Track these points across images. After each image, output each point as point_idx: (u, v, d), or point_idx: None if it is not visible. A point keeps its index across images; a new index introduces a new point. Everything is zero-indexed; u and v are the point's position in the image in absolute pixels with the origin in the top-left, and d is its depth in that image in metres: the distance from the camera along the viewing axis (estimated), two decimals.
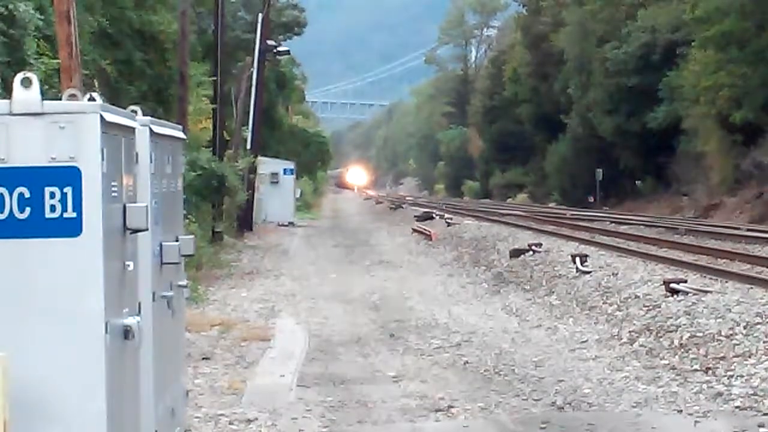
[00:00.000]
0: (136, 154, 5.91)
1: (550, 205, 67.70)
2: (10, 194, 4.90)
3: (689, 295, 15.14)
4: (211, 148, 30.89)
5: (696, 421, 9.53)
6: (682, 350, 12.56)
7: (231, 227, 34.66)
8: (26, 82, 4.95)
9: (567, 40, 68.81)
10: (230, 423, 9.76)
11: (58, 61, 14.49)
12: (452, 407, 10.39)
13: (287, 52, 48.26)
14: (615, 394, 10.78)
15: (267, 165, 47.46)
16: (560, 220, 40.47)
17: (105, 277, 4.96)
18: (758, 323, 12.69)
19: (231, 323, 16.06)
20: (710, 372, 11.43)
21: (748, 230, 31.35)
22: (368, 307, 18.68)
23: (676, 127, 54.27)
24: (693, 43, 48.93)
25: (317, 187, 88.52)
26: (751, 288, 16.14)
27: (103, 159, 4.96)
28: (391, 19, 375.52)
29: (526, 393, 10.98)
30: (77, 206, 4.90)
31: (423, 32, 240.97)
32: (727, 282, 17.30)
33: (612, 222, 40.14)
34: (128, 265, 5.51)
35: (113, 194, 5.20)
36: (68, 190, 4.89)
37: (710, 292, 15.42)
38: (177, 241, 6.91)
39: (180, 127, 7.90)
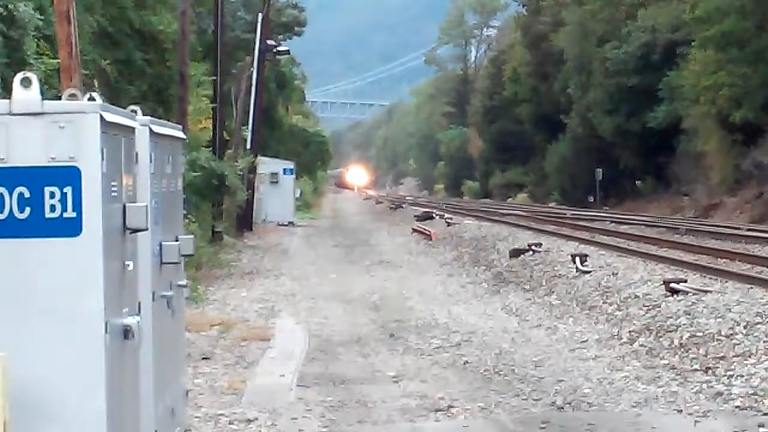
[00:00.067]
0: (136, 153, 5.91)
1: (550, 205, 67.70)
2: (10, 194, 4.90)
3: (689, 294, 15.14)
4: (211, 148, 30.89)
5: (696, 421, 9.53)
6: (682, 350, 12.56)
7: (231, 227, 34.67)
8: (26, 82, 4.95)
9: (567, 40, 68.81)
10: (230, 423, 9.76)
11: (58, 61, 14.49)
12: (452, 407, 10.39)
13: (287, 52, 48.25)
14: (615, 393, 10.78)
15: (267, 165, 47.46)
16: (560, 220, 40.47)
17: (105, 277, 4.96)
18: (758, 323, 12.69)
19: (231, 323, 16.06)
20: (710, 372, 11.43)
21: (749, 230, 31.35)
22: (368, 307, 18.68)
23: (676, 127, 54.27)
24: (693, 43, 48.94)
25: (317, 186, 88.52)
26: (751, 288, 16.14)
27: (103, 159, 4.96)
28: (391, 19, 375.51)
29: (526, 393, 10.98)
30: (77, 206, 4.90)
31: (423, 32, 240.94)
32: (727, 282, 17.30)
33: (612, 222, 40.14)
34: (128, 265, 5.51)
35: (113, 194, 5.20)
36: (68, 189, 4.89)
37: (710, 291, 15.42)
38: (177, 240, 6.91)
39: (180, 126, 7.90)
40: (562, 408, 10.29)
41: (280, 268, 26.39)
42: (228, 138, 37.83)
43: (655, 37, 57.53)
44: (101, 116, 4.97)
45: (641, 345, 13.37)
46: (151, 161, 6.36)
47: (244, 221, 37.70)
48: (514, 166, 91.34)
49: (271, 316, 17.43)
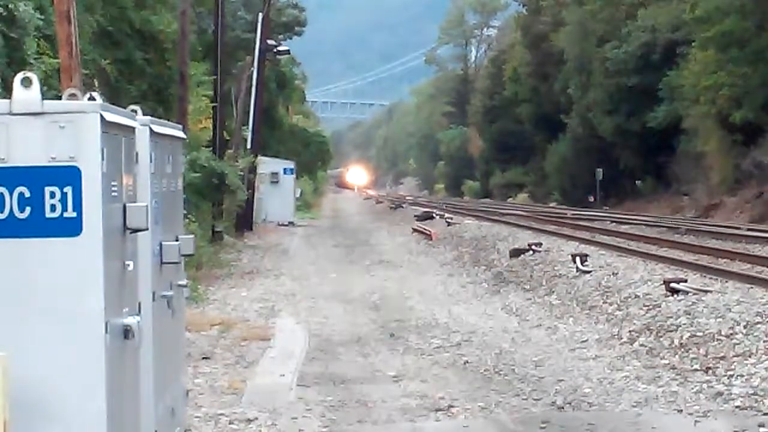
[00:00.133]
0: (136, 153, 5.91)
1: (551, 204, 67.71)
2: (10, 194, 4.90)
3: (689, 294, 15.14)
4: (211, 148, 30.89)
5: (696, 421, 9.53)
6: (683, 350, 12.56)
7: (231, 227, 34.67)
8: (26, 82, 4.95)
9: (567, 39, 68.82)
10: (230, 423, 9.76)
11: (58, 60, 14.49)
12: (452, 407, 10.39)
13: (287, 52, 48.25)
14: (615, 393, 10.78)
15: (267, 165, 47.46)
16: (560, 220, 40.47)
17: (105, 277, 4.96)
18: (758, 323, 12.69)
19: (231, 323, 16.06)
20: (710, 372, 11.43)
21: (749, 230, 31.35)
22: (368, 307, 18.68)
23: (676, 127, 54.28)
24: (693, 44, 48.94)
25: (317, 186, 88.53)
26: (752, 288, 16.14)
27: (103, 159, 4.96)
28: (391, 19, 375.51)
29: (526, 392, 10.98)
30: (77, 206, 4.90)
31: (423, 32, 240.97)
32: (727, 282, 17.30)
33: (612, 222, 40.14)
34: (128, 265, 5.51)
35: (113, 194, 5.20)
36: (68, 189, 4.89)
37: (710, 291, 15.42)
38: (177, 240, 6.91)
39: (180, 126, 7.90)
40: (563, 408, 10.29)
41: (281, 267, 26.39)
42: (228, 138, 37.84)
43: (655, 37, 57.53)
44: (101, 116, 4.97)
45: (641, 345, 13.37)
46: (151, 161, 6.36)
47: (245, 221, 37.71)
48: (514, 166, 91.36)
49: (271, 315, 17.43)
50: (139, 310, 5.75)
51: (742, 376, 10.93)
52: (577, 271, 19.72)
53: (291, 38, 62.39)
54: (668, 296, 15.49)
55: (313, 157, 69.00)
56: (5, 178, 4.89)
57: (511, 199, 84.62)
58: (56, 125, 4.90)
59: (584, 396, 10.71)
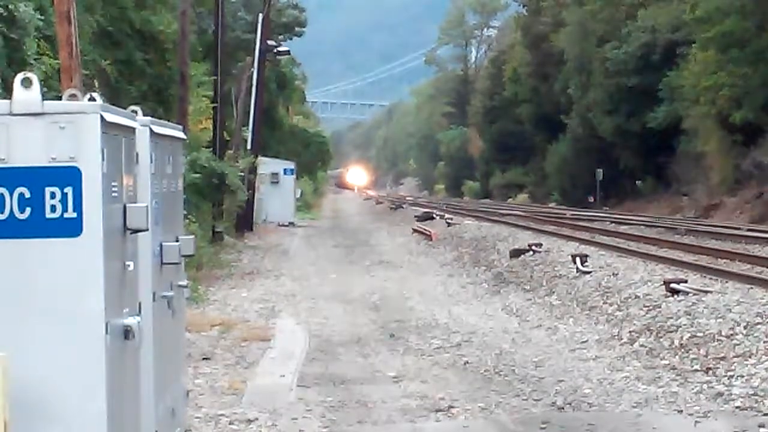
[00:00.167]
0: (137, 154, 5.91)
1: (551, 205, 67.71)
2: (11, 194, 4.90)
3: (689, 295, 15.14)
4: (211, 148, 30.89)
5: (696, 422, 9.53)
6: (683, 350, 12.56)
7: (231, 227, 34.67)
8: (26, 83, 4.95)
9: (567, 40, 68.82)
10: (230, 423, 9.76)
11: (58, 61, 14.49)
12: (452, 407, 10.39)
13: (287, 52, 48.26)
14: (615, 394, 10.78)
15: (267, 165, 47.46)
16: (560, 220, 40.47)
17: (105, 277, 4.96)
18: (758, 323, 12.69)
19: (231, 323, 16.06)
20: (710, 372, 11.43)
21: (749, 230, 31.35)
22: (368, 308, 18.68)
23: (676, 127, 54.28)
24: (693, 44, 48.95)
25: (317, 187, 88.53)
26: (752, 288, 16.13)
27: (103, 159, 4.96)
28: (391, 19, 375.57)
29: (527, 393, 10.98)
30: (77, 206, 4.90)
31: (423, 32, 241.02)
32: (727, 282, 17.29)
33: (612, 222, 40.15)
34: (128, 265, 5.51)
35: (113, 194, 5.20)
36: (68, 190, 4.89)
37: (710, 292, 15.42)
38: (177, 241, 6.90)
39: (180, 127, 7.90)
40: (563, 408, 10.29)
41: (281, 268, 26.40)
42: (228, 138, 37.84)
43: (655, 37, 57.54)
44: (102, 116, 4.97)
45: (641, 345, 13.37)
46: (151, 161, 6.36)
47: (245, 221, 37.71)
48: (514, 166, 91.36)
49: (272, 316, 17.43)
50: (140, 311, 5.74)
51: (742, 376, 10.93)
52: (577, 272, 19.72)
53: (291, 38, 62.41)
54: (668, 297, 15.49)
55: (313, 158, 69.02)
56: (5, 179, 4.89)
57: (510, 199, 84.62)
58: (56, 126, 4.90)
59: (584, 396, 10.71)
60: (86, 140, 4.91)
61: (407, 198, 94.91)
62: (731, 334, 12.50)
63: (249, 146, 39.94)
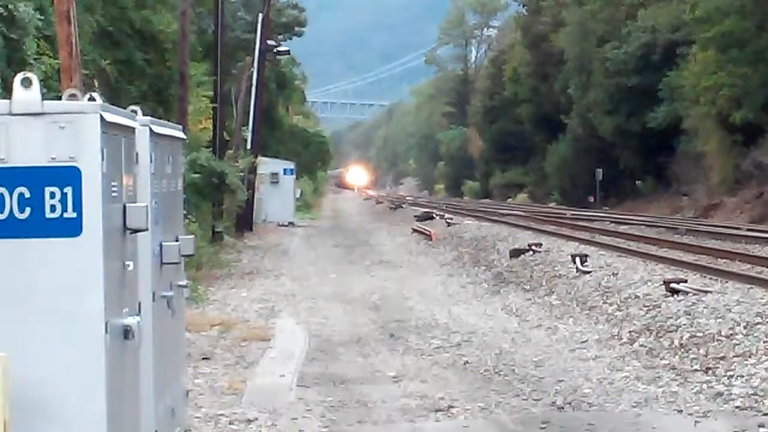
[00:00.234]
0: (136, 154, 5.91)
1: (550, 205, 67.71)
2: (10, 194, 4.90)
3: (689, 295, 15.14)
4: (211, 148, 30.90)
5: (696, 421, 9.53)
6: (682, 350, 12.56)
7: (231, 227, 34.68)
8: (26, 82, 4.95)
9: (567, 40, 68.82)
10: (230, 423, 9.76)
11: (58, 61, 14.49)
12: (452, 407, 10.39)
13: (287, 52, 48.26)
14: (615, 394, 10.78)
15: (267, 165, 47.46)
16: (560, 220, 40.48)
17: (105, 277, 4.96)
18: (758, 323, 12.69)
19: (231, 323, 16.06)
20: (710, 372, 11.43)
21: (748, 230, 31.35)
22: (368, 307, 18.68)
23: (676, 127, 54.28)
24: (693, 44, 48.94)
25: (317, 187, 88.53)
26: (751, 288, 16.14)
27: (103, 159, 4.96)
28: (391, 19, 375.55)
29: (526, 393, 10.98)
30: (77, 206, 4.90)
31: (423, 32, 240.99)
32: (727, 282, 17.30)
33: (612, 222, 40.14)
34: (128, 265, 5.51)
35: (113, 194, 5.20)
36: (68, 190, 4.89)
37: (710, 292, 15.42)
38: (177, 241, 6.91)
39: (180, 127, 7.90)
40: (563, 408, 10.29)
41: (281, 268, 26.40)
42: (228, 138, 37.85)
43: (655, 37, 57.53)
44: (101, 116, 4.97)
45: (641, 345, 13.37)
46: (151, 161, 6.36)
47: (245, 221, 37.71)
48: (514, 166, 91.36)
49: (271, 316, 17.43)
50: (139, 311, 5.75)
51: (742, 376, 10.93)
52: (576, 272, 19.73)
53: (291, 38, 62.43)
54: (668, 296, 15.49)
55: (313, 158, 69.02)
56: (5, 179, 4.89)
57: (510, 199, 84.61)
58: (56, 125, 4.90)
59: (584, 396, 10.71)
60: (86, 140, 4.91)
61: (407, 198, 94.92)
62: (731, 334, 12.50)
63: (249, 146, 39.95)
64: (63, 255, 4.90)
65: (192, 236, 7.57)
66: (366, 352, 13.94)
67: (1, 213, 4.90)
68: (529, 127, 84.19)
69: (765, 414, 9.68)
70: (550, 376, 11.83)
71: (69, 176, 4.89)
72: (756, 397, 10.17)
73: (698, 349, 12.35)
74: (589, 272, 19.35)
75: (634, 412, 9.95)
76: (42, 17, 16.69)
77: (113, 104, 5.50)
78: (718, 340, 12.45)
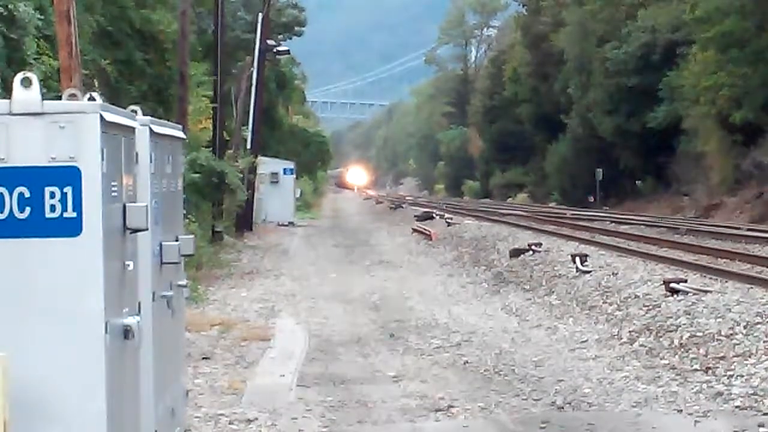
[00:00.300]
0: (136, 153, 5.91)
1: (550, 205, 67.71)
2: (10, 194, 4.90)
3: (689, 294, 15.14)
4: (211, 148, 30.90)
5: (696, 421, 9.53)
6: (682, 350, 12.56)
7: (231, 227, 34.68)
8: (26, 82, 4.95)
9: (567, 40, 68.82)
10: (230, 423, 9.76)
11: (57, 61, 14.49)
12: (452, 407, 10.39)
13: (287, 52, 48.26)
14: (615, 393, 10.78)
15: (267, 165, 47.47)
16: (560, 220, 40.48)
17: (105, 277, 4.96)
18: (758, 323, 12.69)
19: (231, 323, 16.06)
20: (710, 372, 11.43)
21: (749, 230, 31.35)
22: (368, 307, 18.68)
23: (676, 127, 54.27)
24: (693, 44, 48.94)
25: (317, 187, 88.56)
26: (752, 288, 16.14)
27: (103, 159, 4.96)
28: (391, 19, 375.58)
29: (526, 393, 10.98)
30: (77, 206, 4.90)
31: (423, 32, 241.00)
32: (727, 282, 17.30)
33: (612, 222, 40.14)
34: (128, 265, 5.51)
35: (113, 194, 5.20)
36: (68, 189, 4.89)
37: (710, 291, 15.42)
38: (177, 240, 6.91)
39: (180, 126, 7.90)
40: (562, 408, 10.29)
41: (280, 268, 26.40)
42: (228, 138, 37.85)
43: (655, 37, 57.53)
44: (101, 116, 4.97)
45: (641, 345, 13.37)
46: (151, 161, 6.36)
47: (244, 221, 37.71)
48: (514, 166, 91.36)
49: (271, 316, 17.43)
50: (139, 310, 5.75)
51: (741, 376, 10.93)
52: (576, 272, 19.72)
53: (291, 38, 62.41)
54: (668, 296, 15.49)
55: (313, 158, 69.03)
56: (5, 178, 4.89)
57: (510, 199, 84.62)
58: (56, 125, 4.90)
59: (584, 396, 10.71)
60: (86, 140, 4.91)
61: (407, 198, 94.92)
62: (731, 334, 12.50)
63: (249, 146, 39.95)
64: (63, 255, 4.90)
65: (192, 236, 7.57)
66: (366, 352, 13.94)
67: (1, 213, 4.90)
68: (529, 127, 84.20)
69: (765, 414, 9.68)
70: (550, 375, 11.83)
71: (69, 176, 4.89)
72: (756, 396, 10.17)
73: (698, 349, 12.35)
74: (589, 272, 19.35)
75: (634, 412, 9.95)
76: (42, 17, 16.70)
77: (113, 104, 5.50)
78: (718, 339, 12.45)
